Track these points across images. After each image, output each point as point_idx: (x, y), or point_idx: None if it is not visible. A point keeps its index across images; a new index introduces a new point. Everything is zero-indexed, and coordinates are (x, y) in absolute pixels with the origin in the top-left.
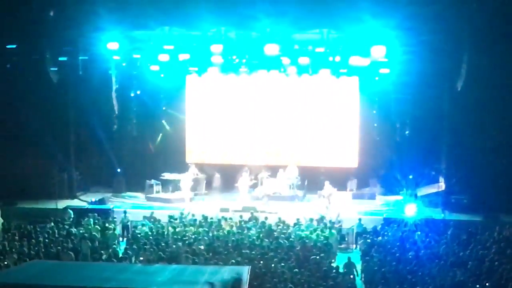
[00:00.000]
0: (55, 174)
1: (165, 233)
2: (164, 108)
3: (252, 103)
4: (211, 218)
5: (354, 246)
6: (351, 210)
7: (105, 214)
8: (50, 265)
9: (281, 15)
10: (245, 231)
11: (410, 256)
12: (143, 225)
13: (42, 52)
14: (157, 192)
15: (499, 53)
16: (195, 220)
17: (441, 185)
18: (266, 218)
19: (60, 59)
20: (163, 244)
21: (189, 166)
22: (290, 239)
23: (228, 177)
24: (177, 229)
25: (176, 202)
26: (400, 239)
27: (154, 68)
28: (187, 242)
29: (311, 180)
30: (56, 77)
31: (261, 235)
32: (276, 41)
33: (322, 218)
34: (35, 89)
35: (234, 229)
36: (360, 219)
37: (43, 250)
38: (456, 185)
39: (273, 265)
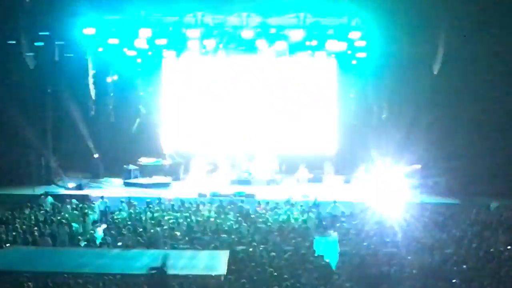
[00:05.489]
0: (32, 159)
1: (143, 218)
2: (141, 93)
3: (229, 88)
4: (189, 203)
5: (332, 230)
6: (329, 194)
7: (83, 200)
8: (27, 251)
9: None
10: (223, 216)
11: (388, 240)
12: (120, 210)
13: (18, 37)
14: (135, 177)
15: (475, 36)
16: (173, 205)
17: (418, 168)
18: (242, 201)
19: (36, 44)
20: (141, 230)
21: (166, 151)
22: (268, 223)
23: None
24: (155, 214)
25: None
26: (378, 223)
27: (131, 53)
28: (165, 227)
29: (289, 165)
30: (32, 63)
31: (239, 220)
32: (252, 26)
33: (291, 203)
34: (11, 74)
35: (212, 214)
36: (335, 202)
37: (21, 236)
38: (433, 168)
39: (251, 249)
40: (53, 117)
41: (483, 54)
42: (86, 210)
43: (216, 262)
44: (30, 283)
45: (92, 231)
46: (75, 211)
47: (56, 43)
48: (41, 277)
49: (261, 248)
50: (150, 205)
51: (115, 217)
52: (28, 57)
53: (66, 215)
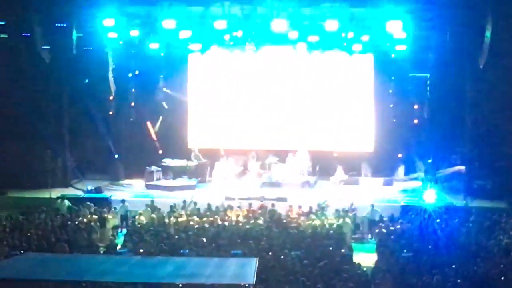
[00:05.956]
0: (48, 161)
1: (167, 223)
2: (164, 90)
3: (259, 83)
4: (216, 207)
5: (369, 235)
6: (366, 197)
7: (102, 203)
8: (43, 258)
9: None
10: (253, 221)
11: (429, 246)
12: (140, 214)
13: (33, 29)
14: (158, 179)
15: None
16: (199, 209)
17: (463, 170)
18: (273, 205)
19: (52, 36)
20: (164, 235)
21: (192, 152)
22: (301, 228)
23: (233, 162)
24: (180, 219)
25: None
26: (419, 228)
27: (154, 46)
28: (190, 233)
29: (323, 166)
30: (48, 57)
31: (269, 225)
32: (284, 17)
33: (325, 207)
34: (25, 69)
35: (241, 218)
36: (372, 206)
37: (35, 242)
38: (479, 169)
39: (282, 257)
40: (70, 115)
41: None
42: (106, 215)
43: (244, 270)
44: None
45: (112, 237)
46: (93, 216)
47: (74, 35)
48: (57, 286)
49: (293, 256)
50: (174, 209)
51: (136, 222)
52: (44, 50)
53: (84, 220)
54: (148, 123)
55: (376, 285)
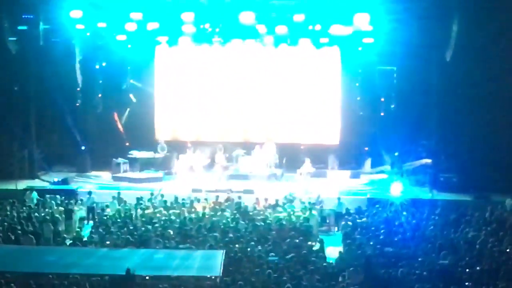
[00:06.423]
0: (14, 152)
1: (133, 215)
2: (131, 81)
3: (226, 75)
4: (183, 200)
5: (336, 228)
6: (333, 189)
7: (69, 195)
8: (9, 250)
9: None
10: (219, 213)
11: (396, 239)
12: (107, 206)
13: (0, 20)
14: (125, 171)
15: (490, 21)
16: (165, 201)
17: (429, 163)
18: (239, 197)
19: (19, 28)
20: (131, 227)
21: (159, 143)
22: (267, 221)
23: (200, 155)
24: (146, 211)
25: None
26: (385, 221)
27: (121, 38)
28: (157, 225)
29: (290, 158)
30: (15, 48)
31: (236, 217)
32: (251, 8)
33: (291, 199)
34: None
35: (208, 210)
36: (339, 199)
37: (1, 234)
38: (445, 162)
39: (249, 249)
40: (37, 107)
41: (498, 39)
42: (72, 207)
43: (211, 262)
44: (12, 285)
45: (79, 229)
46: (60, 208)
47: (40, 27)
48: (24, 278)
49: (259, 248)
50: (141, 201)
51: (103, 214)
52: (11, 41)
53: (51, 211)
54: (115, 115)
55: (342, 277)
